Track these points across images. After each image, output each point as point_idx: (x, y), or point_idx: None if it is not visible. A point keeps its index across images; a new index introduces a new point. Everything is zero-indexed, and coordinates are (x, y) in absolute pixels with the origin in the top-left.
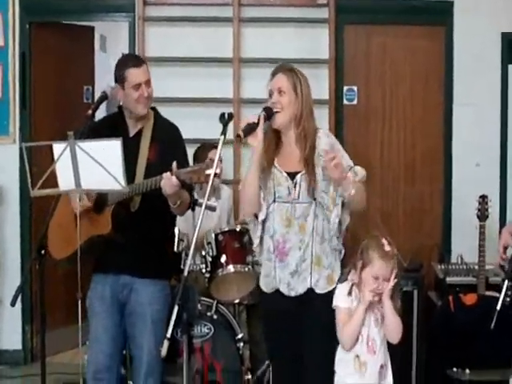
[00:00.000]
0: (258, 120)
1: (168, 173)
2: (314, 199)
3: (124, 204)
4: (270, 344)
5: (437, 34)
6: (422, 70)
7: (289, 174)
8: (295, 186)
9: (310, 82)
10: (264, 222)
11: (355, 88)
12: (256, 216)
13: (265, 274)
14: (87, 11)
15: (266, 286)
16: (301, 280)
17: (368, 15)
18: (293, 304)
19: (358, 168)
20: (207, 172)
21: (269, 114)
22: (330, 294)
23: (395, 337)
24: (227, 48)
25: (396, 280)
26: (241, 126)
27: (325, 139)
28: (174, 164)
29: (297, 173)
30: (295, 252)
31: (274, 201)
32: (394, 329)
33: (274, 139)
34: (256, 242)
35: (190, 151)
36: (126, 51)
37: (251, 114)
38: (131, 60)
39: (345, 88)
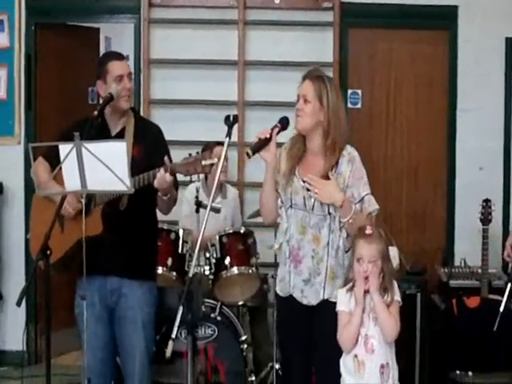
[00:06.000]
0: (270, 135)
1: (162, 169)
2: (329, 213)
3: (112, 203)
4: (281, 346)
5: (441, 38)
6: (426, 75)
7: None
8: (310, 197)
9: None
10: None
11: (359, 92)
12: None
13: (280, 278)
14: (92, 13)
15: (281, 290)
16: (313, 291)
17: (373, 19)
18: (306, 311)
19: (371, 199)
20: (204, 163)
21: (284, 124)
22: None
23: (388, 334)
24: (232, 50)
25: (381, 271)
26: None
27: (345, 166)
28: (166, 158)
29: None
30: (308, 260)
31: (291, 206)
32: (385, 325)
33: (302, 146)
34: (276, 246)
35: (195, 152)
36: (131, 53)
37: (262, 130)
38: (113, 54)
39: (349, 91)
